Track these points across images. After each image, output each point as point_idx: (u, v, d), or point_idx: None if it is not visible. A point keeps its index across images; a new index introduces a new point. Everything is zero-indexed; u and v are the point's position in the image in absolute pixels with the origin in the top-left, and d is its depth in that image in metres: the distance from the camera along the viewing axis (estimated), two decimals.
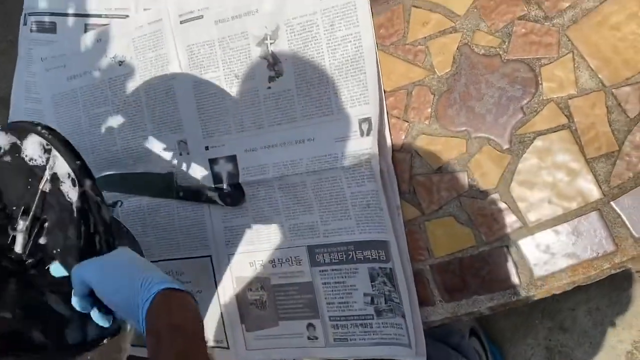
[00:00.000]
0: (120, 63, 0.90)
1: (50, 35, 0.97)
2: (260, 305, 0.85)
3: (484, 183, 0.74)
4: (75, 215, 0.62)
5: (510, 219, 0.73)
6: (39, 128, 0.63)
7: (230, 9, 0.83)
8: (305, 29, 0.80)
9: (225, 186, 0.85)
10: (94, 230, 0.61)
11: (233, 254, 0.87)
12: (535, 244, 0.72)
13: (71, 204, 0.62)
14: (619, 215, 0.68)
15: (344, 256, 0.80)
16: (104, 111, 0.91)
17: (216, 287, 0.88)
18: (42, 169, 0.63)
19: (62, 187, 0.62)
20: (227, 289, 0.87)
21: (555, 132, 0.70)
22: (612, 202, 0.69)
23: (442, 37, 0.75)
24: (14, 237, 0.63)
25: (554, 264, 0.72)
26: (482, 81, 0.73)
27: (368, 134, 0.77)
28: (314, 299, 0.82)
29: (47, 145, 0.62)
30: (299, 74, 0.81)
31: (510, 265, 0.74)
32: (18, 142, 0.64)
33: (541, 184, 0.71)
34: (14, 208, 0.64)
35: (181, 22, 0.85)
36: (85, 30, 0.95)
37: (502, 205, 0.73)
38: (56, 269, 0.62)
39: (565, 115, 0.70)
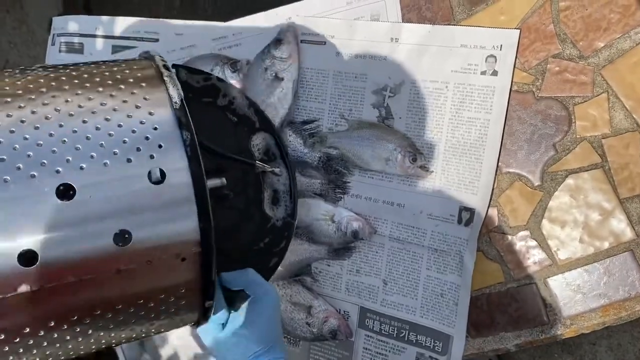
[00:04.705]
0: None
1: (77, 56, 0.98)
2: (293, 341, 0.84)
3: (514, 219, 0.73)
4: (269, 225, 0.66)
5: (540, 257, 0.73)
6: (277, 137, 0.68)
7: (357, 46, 0.78)
8: (432, 96, 0.75)
9: None
10: (276, 252, 0.65)
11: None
12: (565, 282, 0.72)
13: (270, 217, 0.66)
14: None
15: (395, 332, 0.78)
16: None
17: None
18: (256, 158, 0.67)
19: (266, 194, 0.68)
20: None
21: (587, 171, 0.70)
22: None
23: None
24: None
25: (584, 303, 0.71)
26: (515, 117, 0.73)
27: (467, 225, 0.74)
28: (350, 358, 0.81)
29: (273, 153, 0.68)
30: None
31: (539, 303, 0.73)
32: (257, 124, 0.67)
33: (572, 223, 0.71)
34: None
35: (301, 41, 0.81)
36: (113, 52, 0.96)
37: (532, 242, 0.73)
38: None
39: (599, 155, 0.70)
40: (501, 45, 0.72)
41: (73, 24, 0.97)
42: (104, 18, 0.97)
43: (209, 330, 0.56)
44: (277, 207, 0.68)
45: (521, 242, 0.73)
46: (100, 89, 0.42)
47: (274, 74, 0.79)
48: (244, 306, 0.55)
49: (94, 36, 0.97)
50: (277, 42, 0.79)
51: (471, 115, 0.74)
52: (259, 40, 0.82)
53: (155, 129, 0.42)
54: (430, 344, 0.76)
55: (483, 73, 0.73)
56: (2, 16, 1.52)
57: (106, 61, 0.48)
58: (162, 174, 0.41)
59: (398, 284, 0.78)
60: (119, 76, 0.44)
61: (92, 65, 0.46)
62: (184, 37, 0.87)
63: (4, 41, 1.54)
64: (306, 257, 0.81)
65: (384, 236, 0.78)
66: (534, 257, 0.73)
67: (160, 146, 0.41)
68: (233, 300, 0.56)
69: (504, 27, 0.73)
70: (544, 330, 0.73)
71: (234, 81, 0.82)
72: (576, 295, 0.71)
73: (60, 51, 0.98)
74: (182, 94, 0.44)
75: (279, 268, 0.80)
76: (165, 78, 0.45)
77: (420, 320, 0.77)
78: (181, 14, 1.36)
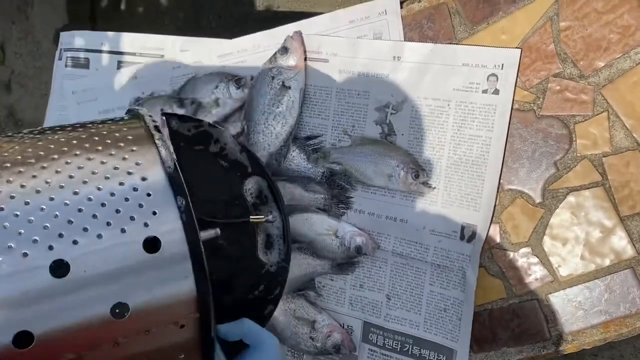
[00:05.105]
0: None
1: (83, 71, 0.99)
2: (297, 355, 0.84)
3: (516, 236, 0.74)
4: (263, 272, 0.64)
5: (541, 273, 0.73)
6: (269, 180, 0.66)
7: (360, 64, 0.79)
8: (434, 113, 0.76)
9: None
10: (271, 300, 0.62)
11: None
12: (567, 298, 0.72)
13: (264, 263, 0.64)
14: None
15: (399, 346, 0.79)
16: None
17: None
18: (248, 204, 0.65)
19: (259, 239, 0.65)
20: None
21: (588, 188, 0.71)
22: None
23: None
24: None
25: (585, 319, 0.71)
26: (516, 135, 0.73)
27: (469, 241, 0.75)
28: None
29: (265, 196, 0.66)
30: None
31: (541, 319, 0.73)
32: (249, 168, 0.66)
33: (574, 240, 0.72)
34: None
35: (306, 59, 0.82)
36: (118, 67, 0.97)
37: (534, 258, 0.73)
38: None
39: (599, 173, 0.70)
40: (502, 64, 0.73)
41: (79, 39, 0.99)
42: (110, 34, 0.98)
43: None
44: (270, 252, 0.66)
45: (523, 258, 0.74)
46: (91, 156, 0.41)
47: (281, 83, 0.80)
48: (243, 356, 0.55)
49: (100, 51, 0.98)
50: (284, 50, 0.80)
51: (473, 132, 0.74)
52: (263, 58, 0.83)
53: (149, 195, 0.40)
54: (434, 357, 0.77)
55: (485, 91, 0.74)
56: (8, 27, 1.54)
57: (95, 122, 0.46)
58: (157, 242, 0.39)
59: (401, 299, 0.79)
60: (108, 140, 0.43)
61: (80, 130, 0.44)
62: (189, 53, 0.88)
63: (10, 52, 1.55)
64: (310, 271, 0.82)
65: (387, 251, 0.79)
66: (535, 274, 0.74)
67: (154, 213, 0.40)
68: (231, 351, 0.55)
69: (505, 46, 0.74)
70: (546, 345, 0.74)
71: (239, 97, 0.84)
72: (577, 312, 0.72)
73: (66, 66, 1.00)
74: (175, 157, 0.43)
75: None
76: (157, 141, 0.43)
77: (424, 334, 0.78)
78: (185, 25, 1.37)
